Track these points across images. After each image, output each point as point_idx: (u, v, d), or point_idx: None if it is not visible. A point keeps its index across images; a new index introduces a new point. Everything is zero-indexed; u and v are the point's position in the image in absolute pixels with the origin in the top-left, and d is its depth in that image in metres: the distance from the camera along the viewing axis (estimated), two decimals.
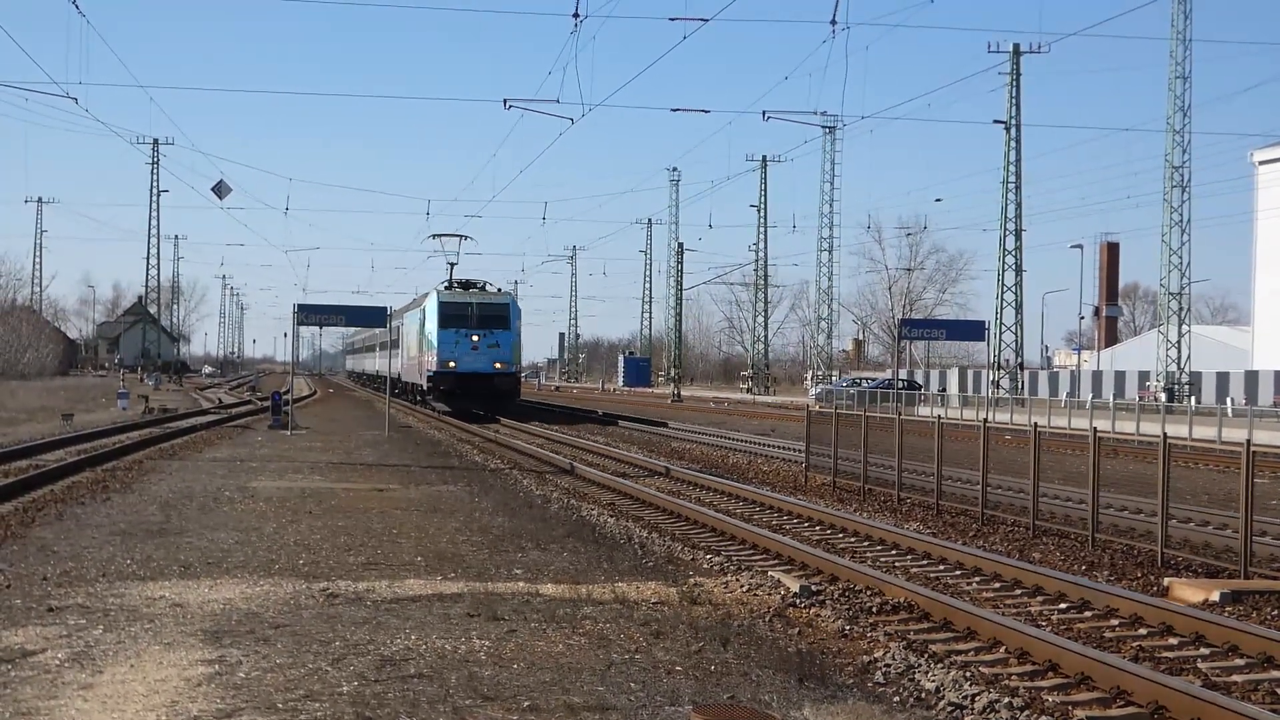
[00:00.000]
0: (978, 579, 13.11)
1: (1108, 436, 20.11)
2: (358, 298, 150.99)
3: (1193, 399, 54.55)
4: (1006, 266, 62.76)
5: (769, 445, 32.98)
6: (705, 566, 13.54)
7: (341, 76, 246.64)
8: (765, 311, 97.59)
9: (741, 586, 12.14)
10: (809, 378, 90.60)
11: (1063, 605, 11.66)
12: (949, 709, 8.10)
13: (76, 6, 36.97)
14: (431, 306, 46.65)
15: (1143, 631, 10.59)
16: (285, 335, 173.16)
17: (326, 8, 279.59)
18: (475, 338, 45.10)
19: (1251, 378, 62.33)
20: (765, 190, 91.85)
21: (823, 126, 78.27)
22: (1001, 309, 62.98)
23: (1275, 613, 11.54)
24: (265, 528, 15.09)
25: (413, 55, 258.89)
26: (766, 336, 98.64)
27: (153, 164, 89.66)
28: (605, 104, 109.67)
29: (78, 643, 8.89)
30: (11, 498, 17.45)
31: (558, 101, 38.53)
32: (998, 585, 12.74)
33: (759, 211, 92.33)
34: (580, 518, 17.36)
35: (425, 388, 47.70)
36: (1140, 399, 57.15)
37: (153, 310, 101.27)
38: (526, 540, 14.49)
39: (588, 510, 18.36)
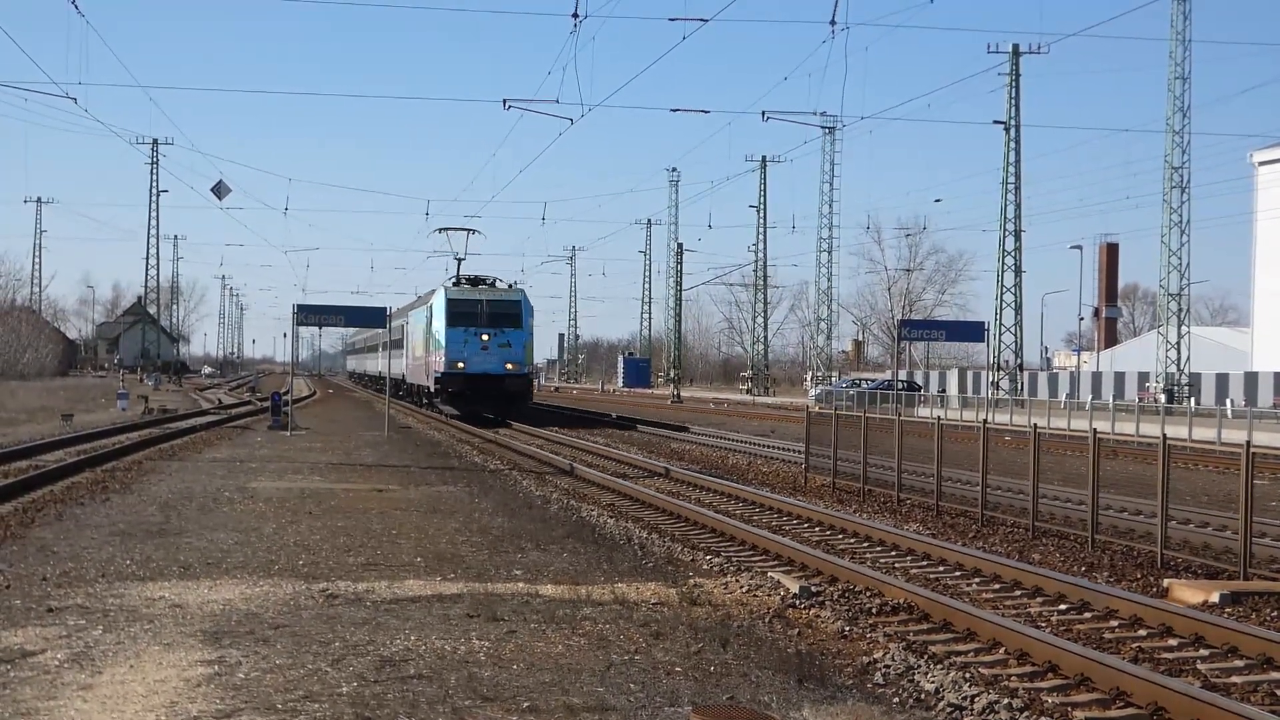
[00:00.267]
0: (977, 580, 13.11)
1: (1107, 438, 20.13)
2: (357, 298, 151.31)
3: (1192, 400, 54.56)
4: (1006, 267, 62.79)
5: (769, 446, 32.98)
6: (705, 567, 13.54)
7: (341, 76, 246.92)
8: (765, 312, 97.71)
9: (741, 587, 12.14)
10: (808, 378, 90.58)
11: (1062, 606, 11.66)
12: (948, 710, 8.10)
13: (76, 7, 36.99)
14: (439, 304, 44.24)
15: (1142, 633, 10.59)
16: (285, 336, 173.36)
17: (326, 8, 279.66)
18: (485, 337, 42.64)
19: (1251, 379, 62.35)
20: (765, 191, 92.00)
21: (822, 127, 78.39)
22: (1001, 310, 63.02)
23: (1275, 614, 11.54)
24: (265, 528, 15.09)
25: (412, 55, 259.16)
26: (766, 337, 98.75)
27: (152, 164, 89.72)
28: (605, 104, 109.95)
29: (77, 643, 8.89)
30: (11, 498, 17.44)
31: (557, 102, 38.56)
32: (997, 586, 12.75)
33: (758, 212, 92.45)
34: (580, 518, 17.36)
35: (432, 390, 45.47)
36: (1140, 400, 57.14)
37: (152, 310, 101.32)
38: (526, 541, 14.50)
39: (587, 511, 18.36)
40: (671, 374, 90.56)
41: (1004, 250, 62.64)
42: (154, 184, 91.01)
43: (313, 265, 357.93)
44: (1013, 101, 60.59)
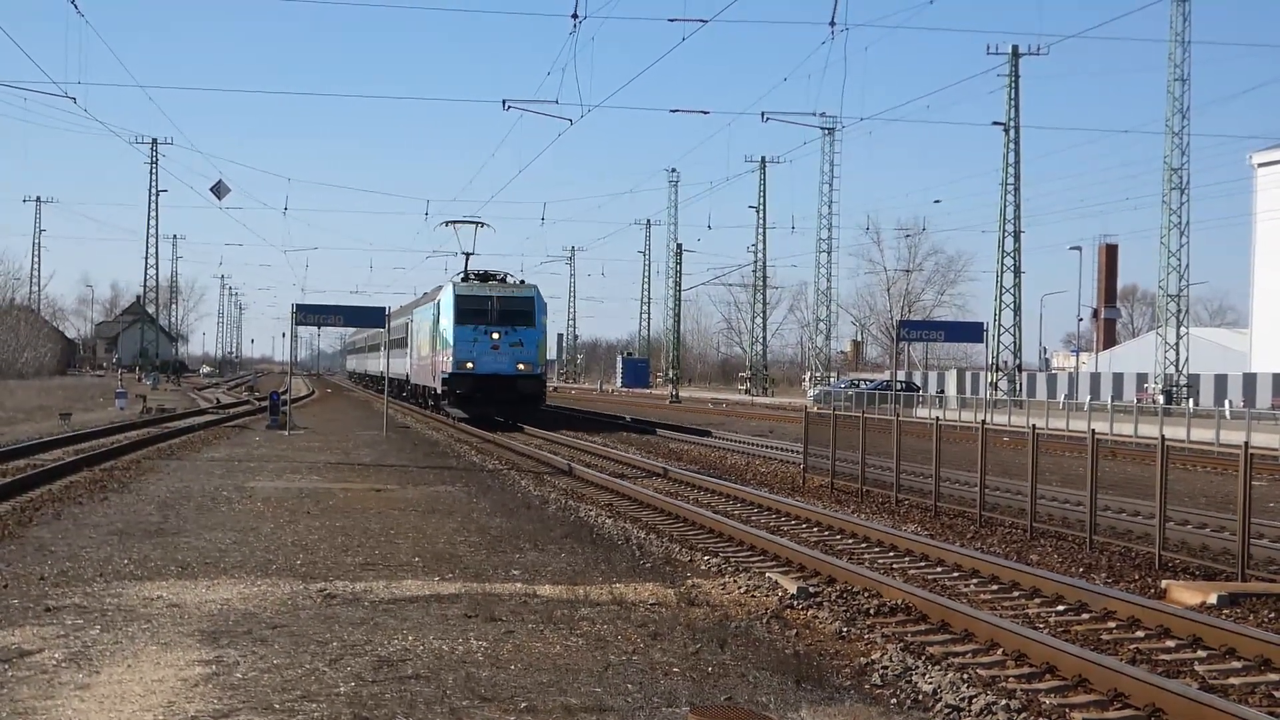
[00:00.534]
0: (975, 581, 13.11)
1: (1106, 438, 20.14)
2: (356, 298, 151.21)
3: (1191, 401, 54.60)
4: (1005, 268, 62.81)
5: (767, 446, 32.98)
6: (703, 568, 13.54)
7: (340, 77, 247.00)
8: (764, 313, 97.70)
9: (739, 588, 12.14)
10: (807, 379, 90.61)
11: (1060, 607, 11.66)
12: (946, 711, 8.09)
13: (75, 6, 36.97)
14: (447, 300, 41.76)
15: (1140, 634, 10.59)
16: (283, 335, 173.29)
17: (325, 8, 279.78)
18: (496, 335, 40.24)
19: (1250, 380, 62.39)
20: (764, 191, 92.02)
21: (822, 128, 78.47)
22: (1000, 310, 63.04)
23: (1272, 615, 11.53)
24: (263, 528, 15.09)
25: (412, 56, 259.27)
26: (765, 338, 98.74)
27: (151, 164, 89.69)
28: (604, 105, 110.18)
29: (75, 643, 8.88)
30: (9, 497, 17.43)
31: (557, 102, 38.51)
32: (995, 587, 12.74)
33: (758, 213, 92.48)
34: (578, 518, 17.35)
35: (439, 391, 42.76)
36: (1138, 401, 57.16)
37: (151, 310, 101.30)
38: (524, 541, 14.49)
39: (586, 511, 18.36)
40: (670, 374, 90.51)
41: (1003, 251, 62.67)
42: (153, 183, 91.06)
43: (311, 265, 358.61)
44: (1012, 102, 60.63)
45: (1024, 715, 8.02)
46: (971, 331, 55.86)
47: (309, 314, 37.14)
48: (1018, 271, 62.82)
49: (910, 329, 52.50)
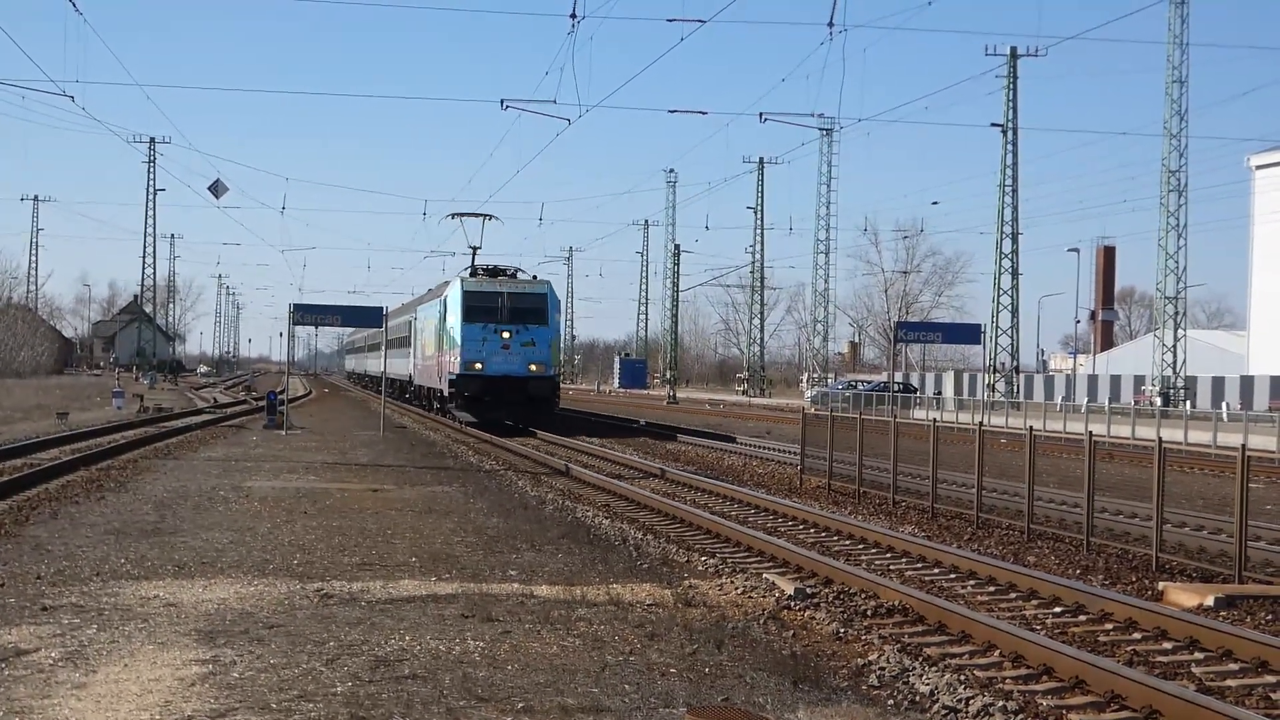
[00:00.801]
0: (972, 582, 13.11)
1: (1103, 440, 20.15)
2: (354, 298, 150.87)
3: (1188, 403, 54.60)
4: (1003, 270, 62.88)
5: (765, 447, 32.98)
6: (700, 569, 13.54)
7: (339, 76, 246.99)
8: (761, 314, 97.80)
9: (736, 589, 12.14)
10: (805, 380, 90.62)
11: (1057, 609, 11.66)
12: (943, 712, 8.09)
13: (74, 5, 37.00)
14: (454, 297, 39.47)
15: (1137, 636, 10.60)
16: (281, 335, 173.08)
17: (325, 8, 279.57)
18: (506, 334, 38.04)
19: (1247, 382, 62.41)
20: (762, 192, 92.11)
21: (820, 129, 78.65)
22: (998, 312, 63.10)
23: (1269, 617, 11.54)
24: (260, 527, 15.08)
25: (410, 55, 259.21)
26: (762, 339, 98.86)
27: (149, 163, 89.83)
28: (602, 105, 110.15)
29: (71, 642, 8.88)
30: (6, 496, 17.41)
31: (555, 102, 37.97)
32: (992, 589, 12.75)
33: (756, 213, 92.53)
34: (575, 519, 17.35)
35: (446, 394, 40.58)
36: (1136, 403, 57.19)
37: (148, 309, 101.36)
38: (521, 541, 14.48)
39: (583, 512, 18.35)
40: (667, 375, 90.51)
41: (1001, 253, 62.73)
42: (151, 182, 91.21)
43: (309, 265, 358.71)
44: (1010, 104, 60.71)
45: (1021, 717, 8.02)
46: (969, 333, 55.93)
47: (307, 314, 37.14)
48: (1015, 273, 62.92)
49: (908, 330, 52.54)
